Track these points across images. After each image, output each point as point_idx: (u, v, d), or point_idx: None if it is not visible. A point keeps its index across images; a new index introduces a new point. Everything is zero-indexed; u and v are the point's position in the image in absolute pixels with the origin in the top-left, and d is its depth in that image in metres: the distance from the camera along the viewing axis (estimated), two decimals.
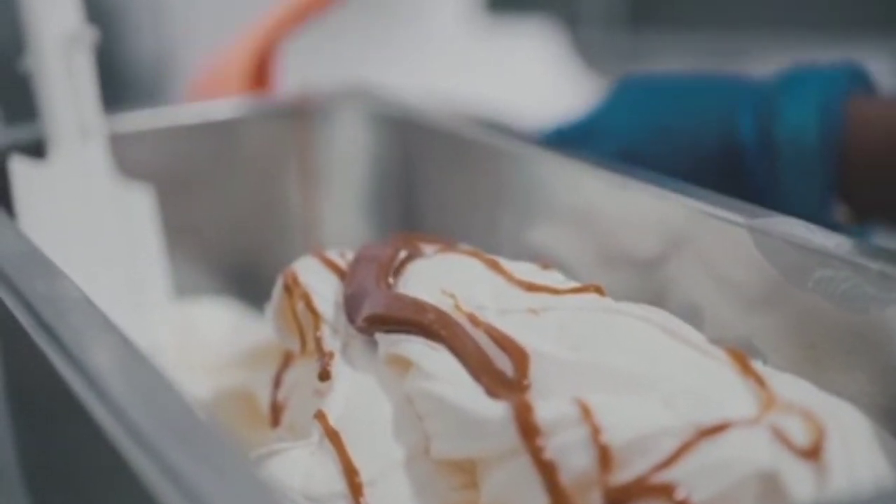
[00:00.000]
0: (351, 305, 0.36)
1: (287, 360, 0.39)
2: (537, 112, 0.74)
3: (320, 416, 0.33)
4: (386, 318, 0.34)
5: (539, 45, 0.87)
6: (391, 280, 0.37)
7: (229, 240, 0.51)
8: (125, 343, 0.30)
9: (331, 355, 0.35)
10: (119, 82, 0.88)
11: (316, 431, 0.33)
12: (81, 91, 0.46)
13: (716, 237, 0.36)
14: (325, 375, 0.35)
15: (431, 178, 0.49)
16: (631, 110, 0.48)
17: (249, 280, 0.49)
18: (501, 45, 0.86)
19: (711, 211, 0.36)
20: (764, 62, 1.00)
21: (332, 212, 0.52)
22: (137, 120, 0.49)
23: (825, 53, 1.00)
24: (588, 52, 0.95)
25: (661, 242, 0.38)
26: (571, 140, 0.48)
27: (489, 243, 0.42)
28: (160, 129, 0.49)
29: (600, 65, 0.93)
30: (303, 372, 0.37)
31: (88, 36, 0.46)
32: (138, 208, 0.48)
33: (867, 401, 0.31)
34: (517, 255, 0.38)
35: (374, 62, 0.73)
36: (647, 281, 0.39)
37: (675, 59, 1.01)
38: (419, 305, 0.34)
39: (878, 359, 0.31)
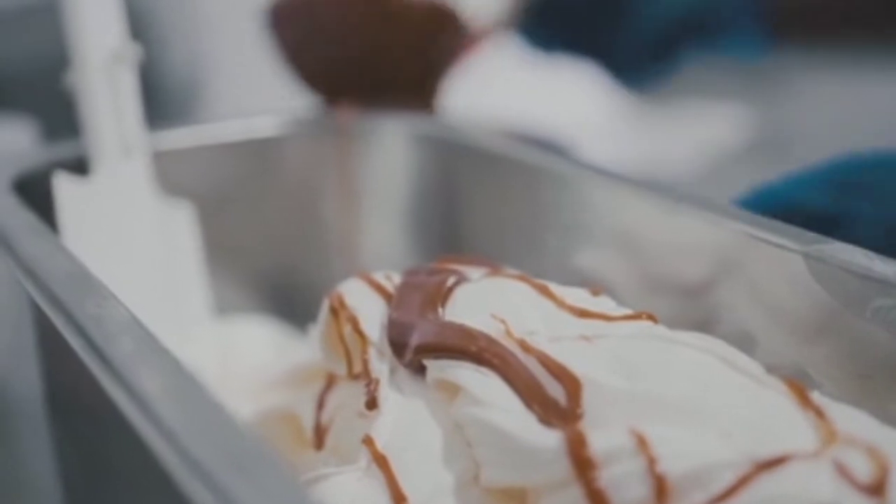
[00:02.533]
0: (398, 338, 0.35)
1: (331, 381, 0.38)
2: (577, 133, 0.75)
3: (368, 441, 0.33)
4: (435, 346, 0.34)
5: (584, 73, 0.88)
6: (440, 310, 0.36)
7: (269, 258, 0.51)
8: (176, 366, 0.29)
9: (377, 382, 0.35)
10: (152, 98, 0.88)
11: (364, 456, 0.32)
12: (124, 108, 0.46)
13: (769, 263, 0.35)
14: (371, 404, 0.34)
15: (474, 198, 0.49)
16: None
17: (288, 299, 0.49)
18: (543, 71, 0.86)
19: (764, 236, 0.35)
20: (804, 85, 1.00)
21: (372, 232, 0.52)
22: (179, 137, 0.49)
23: (869, 74, 0.99)
24: (629, 80, 0.94)
25: (711, 267, 0.38)
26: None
27: (533, 266, 0.41)
28: (202, 147, 0.49)
29: (641, 93, 0.92)
30: (347, 393, 0.37)
31: (132, 52, 0.46)
32: (179, 226, 0.48)
33: None
34: (562, 279, 0.38)
35: None
36: (696, 308, 0.39)
37: (715, 82, 1.01)
38: (468, 332, 0.34)
39: None
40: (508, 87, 0.80)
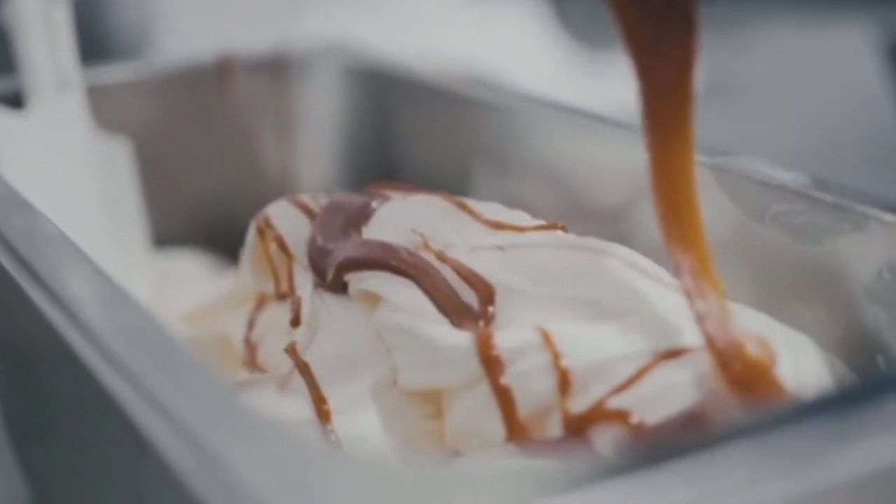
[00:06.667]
0: (320, 261, 0.36)
1: (261, 301, 0.39)
2: (521, 78, 0.75)
3: (290, 350, 0.34)
4: (356, 261, 0.35)
5: (525, 15, 0.88)
6: (362, 228, 0.37)
7: (206, 191, 0.51)
8: (100, 274, 0.30)
9: (300, 300, 0.36)
10: (101, 38, 0.88)
11: (286, 364, 0.33)
12: (59, 43, 0.47)
13: None
14: (296, 322, 0.35)
15: (408, 130, 0.50)
16: None
17: (227, 232, 0.50)
18: (487, 13, 0.87)
19: None
20: (754, 32, 1.01)
21: (309, 164, 0.52)
22: (115, 73, 0.50)
23: (819, 24, 1.00)
24: (575, 22, 0.95)
25: (630, 187, 0.39)
26: None
27: (463, 194, 0.42)
28: (137, 82, 0.50)
29: (587, 36, 0.93)
30: (276, 312, 0.38)
31: None
32: (116, 161, 0.48)
33: (823, 331, 0.32)
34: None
35: (363, 25, 0.74)
36: (617, 226, 0.40)
37: None
38: (387, 246, 0.35)
39: (833, 289, 0.32)
40: (448, 25, 0.81)
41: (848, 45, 0.93)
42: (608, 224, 0.41)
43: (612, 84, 0.84)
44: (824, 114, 0.84)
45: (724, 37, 1.01)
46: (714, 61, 0.90)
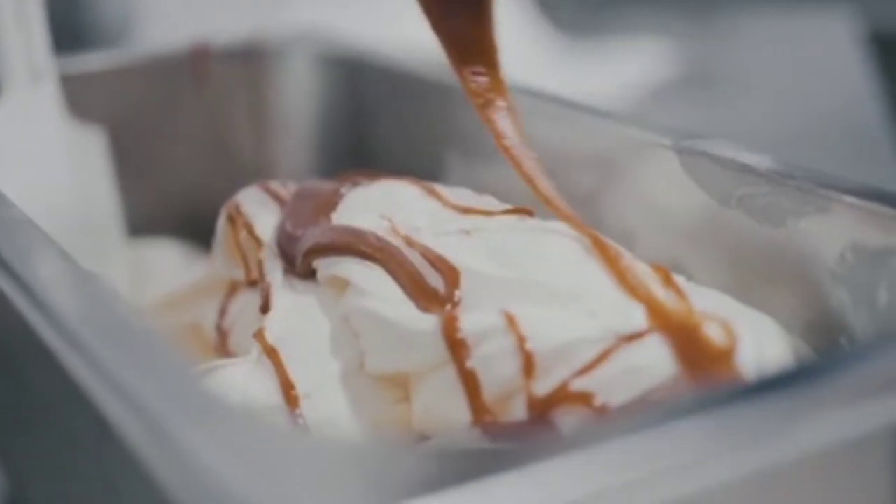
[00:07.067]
0: (289, 248, 0.36)
1: (233, 289, 0.40)
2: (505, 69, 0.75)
3: (259, 335, 0.34)
4: (324, 247, 0.35)
5: (507, 3, 0.88)
6: (331, 214, 0.37)
7: (181, 180, 0.51)
8: (66, 259, 0.30)
9: (270, 286, 0.36)
10: (81, 34, 0.88)
11: (255, 349, 0.34)
12: (32, 34, 0.47)
13: (647, 161, 0.37)
14: (265, 308, 0.35)
15: (382, 117, 0.50)
16: None
17: (202, 220, 0.50)
18: None
19: (641, 136, 0.37)
20: (735, 20, 1.01)
21: (283, 152, 0.52)
22: (89, 62, 0.50)
23: (801, 12, 1.00)
24: (557, 10, 0.95)
25: (597, 171, 0.39)
26: None
27: (436, 180, 0.42)
28: (111, 71, 0.50)
29: (569, 24, 0.93)
30: (247, 299, 0.38)
31: None
32: (89, 151, 0.48)
33: (788, 312, 0.32)
34: None
35: (342, 13, 0.74)
36: (586, 210, 0.40)
37: (646, 18, 1.02)
38: (355, 231, 0.35)
39: (797, 272, 0.32)
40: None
41: (830, 33, 0.93)
42: (578, 208, 0.41)
43: (593, 72, 0.84)
44: (806, 103, 0.84)
45: (706, 26, 1.01)
46: (695, 50, 0.90)
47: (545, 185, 0.34)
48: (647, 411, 0.23)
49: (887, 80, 0.77)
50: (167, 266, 0.48)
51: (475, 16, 0.37)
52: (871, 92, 0.77)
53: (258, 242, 0.37)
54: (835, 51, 0.89)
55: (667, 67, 0.85)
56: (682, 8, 1.03)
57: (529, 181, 0.34)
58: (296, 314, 0.34)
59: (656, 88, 0.83)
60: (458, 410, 0.30)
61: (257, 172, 0.52)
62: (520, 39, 0.86)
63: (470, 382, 0.30)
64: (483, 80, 0.36)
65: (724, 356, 0.28)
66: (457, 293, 0.32)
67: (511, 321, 0.30)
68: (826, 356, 0.30)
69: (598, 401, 0.29)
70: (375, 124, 0.50)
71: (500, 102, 0.36)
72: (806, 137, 0.76)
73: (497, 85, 0.36)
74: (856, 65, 0.81)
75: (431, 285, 0.32)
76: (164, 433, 0.23)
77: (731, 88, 0.89)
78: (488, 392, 0.30)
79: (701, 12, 1.03)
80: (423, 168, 0.47)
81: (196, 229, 0.50)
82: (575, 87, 0.80)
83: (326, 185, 0.38)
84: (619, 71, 0.85)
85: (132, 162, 0.49)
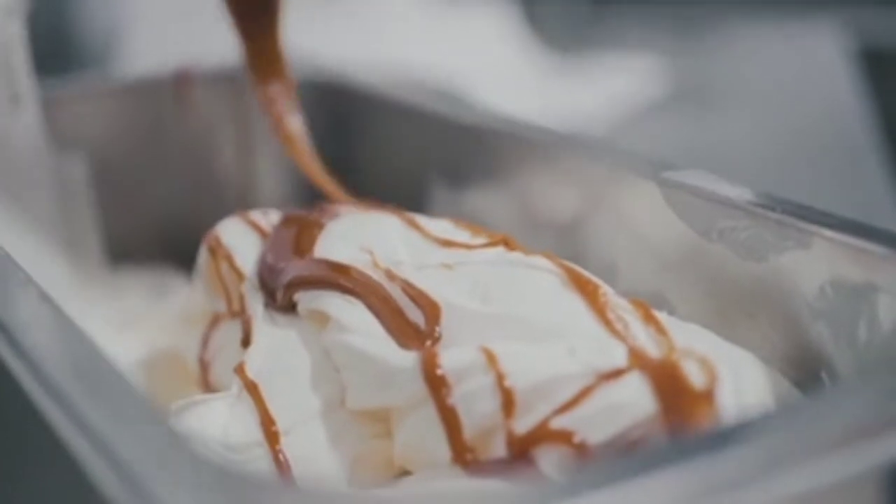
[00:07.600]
0: (270, 282, 0.36)
1: (215, 320, 0.39)
2: (492, 87, 0.75)
3: (239, 369, 0.34)
4: (304, 280, 0.35)
5: (495, 19, 0.88)
6: (312, 246, 0.37)
7: (164, 206, 0.51)
8: (43, 298, 0.30)
9: (251, 318, 0.36)
10: (69, 48, 0.88)
11: (235, 384, 0.33)
12: (13, 58, 0.46)
13: (628, 193, 0.37)
14: (246, 341, 0.35)
15: (367, 144, 0.50)
16: None
17: (185, 245, 0.49)
18: (457, 19, 0.87)
19: (622, 167, 0.37)
20: (724, 36, 1.02)
21: (267, 178, 0.52)
22: (72, 85, 0.50)
23: (789, 27, 1.00)
24: (545, 27, 0.95)
25: (581, 202, 0.39)
26: None
27: (420, 208, 0.42)
28: (94, 95, 0.50)
29: (557, 40, 0.93)
30: (229, 331, 0.38)
31: (20, 4, 0.46)
32: (71, 177, 0.48)
33: (769, 346, 0.32)
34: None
35: (331, 35, 0.74)
36: (569, 241, 0.40)
37: (635, 34, 1.02)
38: (336, 265, 0.35)
39: (777, 305, 0.32)
40: (410, 32, 0.81)
41: (819, 48, 0.93)
42: (561, 238, 0.41)
43: (582, 88, 0.84)
44: (795, 118, 0.84)
45: (695, 42, 1.01)
46: (685, 66, 0.90)
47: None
48: (625, 460, 0.23)
49: (876, 95, 0.77)
50: (148, 292, 0.48)
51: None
52: (860, 106, 0.78)
53: (238, 274, 0.37)
54: (824, 66, 0.89)
55: (656, 83, 0.85)
56: (671, 24, 1.04)
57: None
58: (277, 348, 0.34)
59: (645, 104, 0.83)
60: (438, 447, 0.30)
61: (240, 198, 0.52)
62: (509, 56, 0.86)
63: (450, 420, 0.30)
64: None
65: (703, 396, 0.28)
66: (437, 329, 0.32)
67: (491, 358, 0.30)
68: (803, 400, 0.30)
69: (578, 438, 0.28)
70: (359, 150, 0.50)
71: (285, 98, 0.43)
72: (795, 152, 0.76)
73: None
74: (845, 80, 0.81)
75: (412, 321, 0.32)
76: (134, 482, 0.23)
77: (720, 104, 0.89)
78: (469, 429, 0.30)
79: (690, 28, 1.03)
80: (407, 194, 0.47)
81: (180, 254, 0.50)
82: (564, 103, 0.81)
83: (307, 216, 0.38)
84: (608, 87, 0.85)
85: (115, 186, 0.49)
